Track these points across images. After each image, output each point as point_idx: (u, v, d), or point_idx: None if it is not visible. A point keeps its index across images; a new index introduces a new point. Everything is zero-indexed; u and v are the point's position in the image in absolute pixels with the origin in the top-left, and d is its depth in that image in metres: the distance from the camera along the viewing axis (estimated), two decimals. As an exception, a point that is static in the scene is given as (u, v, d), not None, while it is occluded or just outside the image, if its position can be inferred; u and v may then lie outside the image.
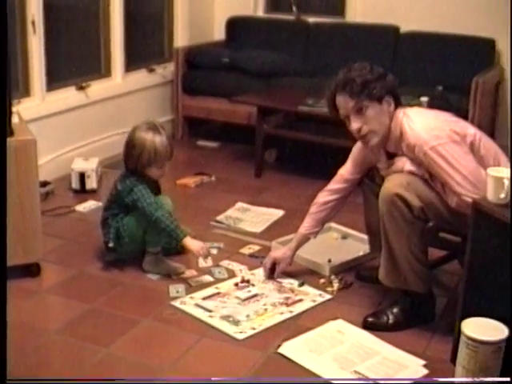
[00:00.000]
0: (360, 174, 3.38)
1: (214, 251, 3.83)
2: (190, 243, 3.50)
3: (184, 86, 5.98)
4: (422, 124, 2.96)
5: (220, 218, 4.33)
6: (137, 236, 3.55)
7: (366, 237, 3.67)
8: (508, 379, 2.41)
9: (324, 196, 3.47)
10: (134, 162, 3.54)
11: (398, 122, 3.01)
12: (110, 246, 3.59)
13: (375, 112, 3.03)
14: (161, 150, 3.51)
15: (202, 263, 3.69)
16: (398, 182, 2.97)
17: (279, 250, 3.59)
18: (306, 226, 3.50)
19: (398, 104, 3.08)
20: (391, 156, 3.13)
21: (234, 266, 3.68)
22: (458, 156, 2.87)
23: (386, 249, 3.06)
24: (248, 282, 3.52)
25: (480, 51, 5.50)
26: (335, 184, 3.45)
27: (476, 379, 2.56)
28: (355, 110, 3.04)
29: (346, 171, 3.41)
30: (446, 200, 2.94)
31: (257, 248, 3.92)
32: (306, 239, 3.54)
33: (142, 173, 3.57)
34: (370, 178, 3.37)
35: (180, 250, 3.72)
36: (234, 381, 2.74)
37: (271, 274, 3.56)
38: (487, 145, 3.03)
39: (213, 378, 2.73)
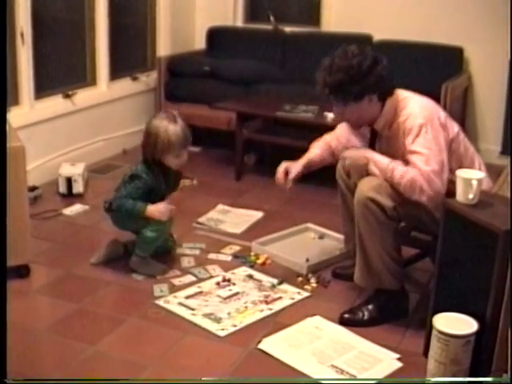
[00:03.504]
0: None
1: (197, 252, 3.89)
2: (152, 211, 3.51)
3: (166, 93, 5.99)
4: (420, 103, 3.05)
5: (202, 219, 4.36)
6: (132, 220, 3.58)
7: (341, 237, 3.73)
8: (508, 379, 2.43)
9: (324, 141, 3.51)
10: (151, 150, 3.54)
11: (394, 105, 3.06)
12: (106, 207, 3.65)
13: (353, 109, 3.07)
14: (174, 139, 3.49)
15: (185, 263, 3.75)
16: (370, 185, 3.03)
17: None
18: (314, 152, 3.50)
19: (388, 93, 3.08)
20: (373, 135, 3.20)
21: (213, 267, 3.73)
22: (436, 141, 2.95)
23: (361, 251, 3.12)
24: (229, 281, 3.56)
25: (449, 58, 5.57)
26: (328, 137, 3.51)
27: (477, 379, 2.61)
28: (336, 105, 3.11)
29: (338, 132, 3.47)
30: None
31: (237, 248, 3.96)
32: (311, 162, 3.49)
33: (160, 162, 3.57)
34: (347, 175, 3.40)
35: (167, 251, 3.83)
36: (228, 380, 2.77)
37: (283, 180, 3.42)
38: (467, 145, 3.14)
39: (203, 378, 2.75)
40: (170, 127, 3.51)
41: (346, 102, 3.05)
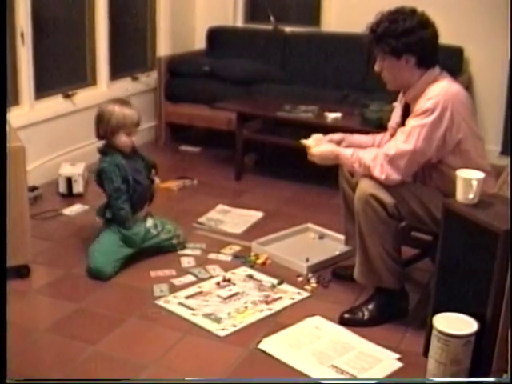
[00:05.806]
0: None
1: (197, 252, 3.89)
2: None
3: (166, 93, 6.01)
4: (446, 88, 2.99)
5: (202, 219, 4.36)
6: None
7: (341, 237, 3.73)
8: (508, 379, 2.43)
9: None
10: (104, 128, 3.70)
11: (428, 80, 3.04)
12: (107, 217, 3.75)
13: (390, 65, 3.07)
14: (129, 114, 3.70)
15: (185, 263, 3.75)
16: (372, 182, 3.03)
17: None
18: (361, 137, 3.53)
19: (426, 62, 3.05)
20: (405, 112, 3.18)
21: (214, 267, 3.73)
22: (429, 129, 2.94)
23: (361, 248, 3.12)
24: (229, 281, 3.56)
25: (449, 59, 5.42)
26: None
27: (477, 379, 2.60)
28: (378, 55, 3.11)
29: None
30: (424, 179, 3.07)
31: (237, 248, 3.96)
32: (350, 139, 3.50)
33: (111, 144, 3.71)
34: (350, 174, 3.39)
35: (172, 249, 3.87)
36: (228, 380, 2.77)
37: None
38: (480, 152, 3.08)
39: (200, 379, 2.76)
40: (125, 107, 3.74)
41: (384, 53, 3.06)
